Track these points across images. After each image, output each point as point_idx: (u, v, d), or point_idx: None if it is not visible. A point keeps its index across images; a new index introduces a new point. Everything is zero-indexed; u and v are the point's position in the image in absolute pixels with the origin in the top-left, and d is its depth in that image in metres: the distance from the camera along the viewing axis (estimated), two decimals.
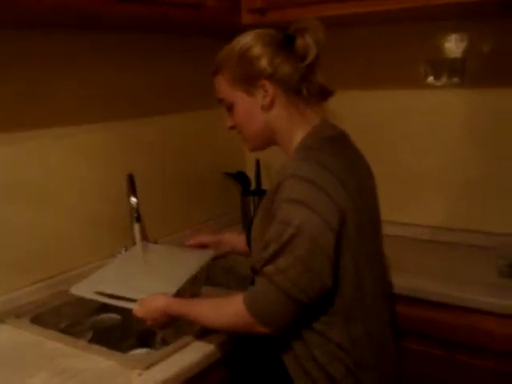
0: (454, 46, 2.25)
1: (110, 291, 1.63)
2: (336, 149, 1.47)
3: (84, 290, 1.69)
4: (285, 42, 1.47)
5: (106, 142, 2.14)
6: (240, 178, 2.73)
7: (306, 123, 1.50)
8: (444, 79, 2.28)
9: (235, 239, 1.94)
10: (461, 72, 2.24)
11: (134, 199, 1.96)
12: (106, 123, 2.14)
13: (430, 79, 2.31)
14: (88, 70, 2.05)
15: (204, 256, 1.87)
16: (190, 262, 1.83)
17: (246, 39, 1.48)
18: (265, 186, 2.72)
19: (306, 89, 1.49)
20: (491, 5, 1.87)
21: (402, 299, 1.88)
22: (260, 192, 2.68)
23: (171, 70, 2.40)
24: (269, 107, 1.48)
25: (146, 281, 1.75)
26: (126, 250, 2.10)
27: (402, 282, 1.89)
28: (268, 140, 1.55)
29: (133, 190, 1.98)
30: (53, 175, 1.96)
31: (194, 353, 1.51)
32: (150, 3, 1.80)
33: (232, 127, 1.58)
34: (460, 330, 1.81)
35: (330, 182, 1.35)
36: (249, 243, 1.64)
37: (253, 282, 1.59)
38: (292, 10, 2.07)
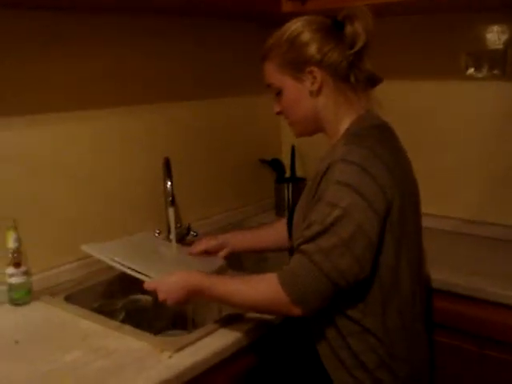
0: (495, 37, 2.21)
1: (123, 261, 1.67)
2: (384, 138, 1.48)
3: (96, 250, 1.72)
4: (334, 29, 1.47)
5: (143, 125, 2.16)
6: (275, 164, 2.73)
7: (352, 110, 1.50)
8: (485, 71, 2.25)
9: (238, 238, 1.93)
10: (502, 64, 2.20)
11: (169, 183, 1.97)
12: (144, 106, 2.16)
13: (471, 71, 2.27)
14: (127, 52, 2.07)
15: (211, 265, 1.83)
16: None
17: (296, 25, 1.49)
18: (299, 173, 2.72)
19: (354, 76, 1.49)
20: None
21: (434, 292, 1.87)
22: (294, 179, 2.69)
23: (211, 54, 2.40)
24: (317, 93, 1.48)
25: (157, 265, 1.76)
26: (159, 234, 2.13)
27: (434, 274, 1.87)
28: (315, 126, 1.55)
29: (168, 174, 1.99)
30: (90, 157, 1.99)
31: (223, 337, 1.52)
32: None
33: (279, 113, 1.58)
34: (491, 325, 1.79)
35: (379, 169, 1.36)
36: (289, 230, 1.65)
37: None
38: None
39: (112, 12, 1.97)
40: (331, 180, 1.35)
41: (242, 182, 2.67)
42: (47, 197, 1.87)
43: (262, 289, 1.41)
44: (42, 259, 1.86)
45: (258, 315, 1.60)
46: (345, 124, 1.50)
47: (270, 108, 1.61)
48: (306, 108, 1.51)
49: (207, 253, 1.88)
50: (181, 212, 2.26)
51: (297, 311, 1.36)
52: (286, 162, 2.73)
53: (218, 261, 1.87)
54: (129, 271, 1.64)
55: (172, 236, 1.99)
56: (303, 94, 1.50)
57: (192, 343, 1.48)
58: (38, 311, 1.72)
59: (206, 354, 1.44)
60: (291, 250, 1.44)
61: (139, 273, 1.63)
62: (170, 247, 2.00)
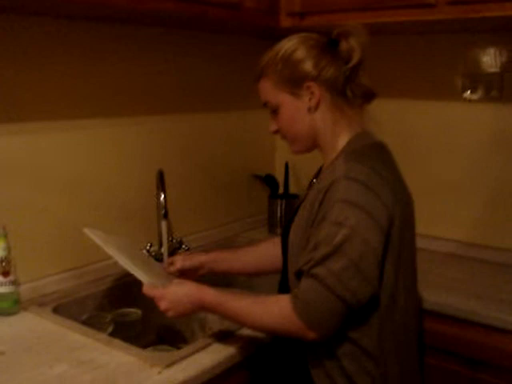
0: (492, 60, 2.21)
1: (125, 257, 1.62)
2: (383, 157, 1.48)
3: (99, 238, 1.67)
4: (329, 45, 1.47)
5: (137, 137, 2.15)
6: (268, 180, 2.72)
7: (349, 126, 1.49)
8: (481, 93, 2.25)
9: (216, 260, 1.85)
10: (499, 87, 2.20)
11: (162, 195, 1.95)
12: (139, 117, 2.15)
13: (467, 93, 2.28)
14: (123, 63, 2.06)
15: None
16: None
17: (291, 43, 1.48)
18: (293, 190, 2.71)
19: (351, 90, 1.48)
20: None
21: (427, 314, 1.85)
22: (288, 196, 2.67)
23: (207, 68, 2.40)
24: (315, 109, 1.47)
25: (152, 272, 1.70)
26: (151, 246, 2.10)
27: (427, 296, 1.86)
28: (312, 142, 1.53)
29: (162, 187, 1.97)
30: (83, 167, 1.97)
31: (215, 354, 1.49)
32: (189, 1, 1.80)
33: (276, 131, 1.57)
34: (485, 348, 1.77)
35: (382, 186, 1.36)
36: (283, 249, 1.62)
37: (282, 290, 1.58)
38: (331, 15, 2.06)
39: (110, 22, 1.96)
40: (335, 198, 1.33)
41: (235, 197, 2.66)
42: (38, 205, 1.85)
43: (275, 313, 1.39)
44: (30, 269, 1.83)
45: (249, 332, 1.57)
46: (342, 140, 1.49)
47: (265, 123, 1.60)
48: (304, 124, 1.50)
49: (181, 273, 1.80)
50: (173, 225, 2.24)
51: (312, 335, 1.35)
52: (280, 178, 2.71)
53: None
54: (130, 268, 1.58)
55: (164, 249, 1.97)
56: (301, 111, 1.49)
57: (182, 359, 1.45)
58: (26, 322, 1.69)
59: (196, 370, 1.41)
60: (298, 272, 1.40)
61: (138, 272, 1.58)
62: (152, 260, 1.97)
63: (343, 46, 1.45)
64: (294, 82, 1.47)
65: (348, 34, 1.45)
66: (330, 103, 1.48)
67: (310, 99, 1.46)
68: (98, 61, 1.97)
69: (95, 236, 1.66)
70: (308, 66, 1.45)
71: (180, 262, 1.81)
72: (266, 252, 1.84)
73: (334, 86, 1.46)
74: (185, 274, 1.79)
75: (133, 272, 1.57)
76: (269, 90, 1.51)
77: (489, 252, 2.26)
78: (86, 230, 1.68)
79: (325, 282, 1.31)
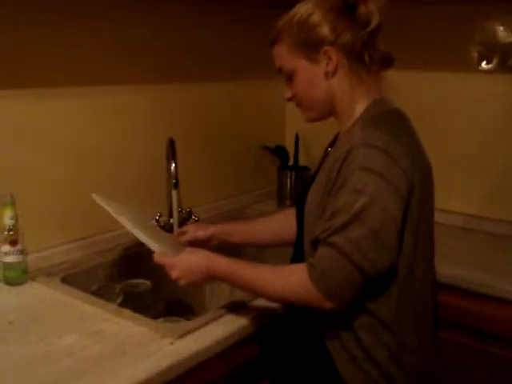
0: (508, 30, 2.16)
1: (134, 225, 1.59)
2: (402, 123, 1.45)
3: (109, 205, 1.64)
4: (346, 9, 1.41)
5: (145, 105, 2.11)
6: (279, 152, 2.68)
7: (367, 93, 1.45)
8: (497, 64, 2.20)
9: (229, 231, 1.82)
10: None
11: (173, 164, 1.90)
12: (147, 85, 2.11)
13: (483, 64, 2.23)
14: (132, 30, 2.01)
15: None
16: None
17: (306, 6, 1.43)
18: (303, 162, 2.67)
19: (369, 55, 1.43)
20: None
21: (441, 287, 1.82)
22: (298, 168, 2.64)
23: (216, 37, 2.35)
24: (332, 74, 1.42)
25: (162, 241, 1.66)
26: (160, 216, 2.07)
27: (441, 269, 1.82)
28: (328, 109, 1.48)
29: (173, 155, 1.92)
30: (91, 135, 1.94)
31: (227, 325, 1.47)
32: None
33: (290, 98, 1.52)
34: (496, 321, 1.76)
35: (401, 153, 1.32)
36: (298, 218, 1.59)
37: (295, 258, 1.55)
38: None
39: None
40: (354, 165, 1.29)
41: (245, 168, 2.62)
42: (45, 174, 1.82)
43: (291, 282, 1.35)
44: (39, 238, 1.80)
45: (262, 303, 1.55)
46: (360, 107, 1.45)
47: (276, 94, 1.57)
48: (321, 90, 1.45)
49: (192, 244, 1.77)
50: (181, 196, 2.20)
51: (329, 305, 1.31)
52: (290, 149, 2.68)
53: None
54: (140, 237, 1.56)
55: (174, 220, 1.94)
56: (318, 76, 1.44)
57: (195, 330, 1.42)
58: (34, 292, 1.66)
59: (209, 341, 1.39)
60: (314, 240, 1.37)
61: (149, 241, 1.55)
62: (160, 230, 1.94)
63: (361, 9, 1.40)
64: (311, 46, 1.42)
65: None
66: (347, 68, 1.43)
67: (327, 64, 1.42)
68: (103, 26, 1.92)
69: (104, 203, 1.63)
70: (325, 30, 1.40)
71: (192, 232, 1.78)
72: (279, 224, 1.81)
73: (351, 51, 1.42)
74: (196, 244, 1.76)
75: (143, 240, 1.55)
76: (284, 54, 1.47)
77: (502, 225, 2.23)
78: (95, 196, 1.65)
79: (343, 250, 1.27)
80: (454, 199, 2.33)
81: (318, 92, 1.46)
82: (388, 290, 1.37)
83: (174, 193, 1.92)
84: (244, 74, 2.52)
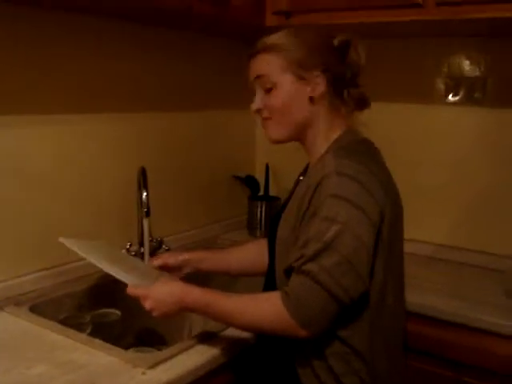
0: (475, 64, 2.23)
1: (103, 261, 1.58)
2: (372, 153, 1.48)
3: (76, 245, 1.62)
4: (339, 47, 1.48)
5: (118, 134, 2.11)
6: (249, 182, 2.69)
7: (338, 126, 1.49)
8: (464, 97, 2.26)
9: (201, 259, 1.81)
10: (482, 91, 2.21)
11: (144, 193, 1.90)
12: (122, 114, 2.11)
13: (450, 96, 2.28)
14: (108, 59, 2.02)
15: None
16: None
17: (309, 31, 1.49)
18: (273, 192, 2.68)
19: (348, 93, 1.49)
20: None
21: (410, 315, 1.82)
22: (268, 197, 2.65)
23: (190, 68, 2.38)
24: (316, 100, 1.45)
25: (135, 272, 1.65)
26: (131, 246, 2.06)
27: (410, 297, 1.84)
28: (297, 133, 1.49)
29: (144, 184, 1.91)
30: (63, 162, 1.92)
31: (198, 355, 1.45)
32: None
33: (259, 110, 1.50)
34: (468, 350, 1.77)
35: (373, 182, 1.34)
36: (270, 247, 1.59)
37: (267, 288, 1.55)
38: (317, 14, 2.05)
39: (91, 16, 1.92)
40: (326, 194, 1.31)
41: (216, 197, 2.63)
42: (15, 202, 1.79)
43: (266, 312, 1.35)
44: (6, 267, 1.78)
45: (233, 333, 1.54)
46: (331, 137, 1.48)
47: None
48: (300, 112, 1.47)
49: (163, 269, 1.76)
50: (152, 225, 2.19)
51: (304, 333, 1.31)
52: (260, 179, 2.69)
53: None
54: (113, 272, 1.54)
55: (145, 249, 1.93)
56: (301, 97, 1.46)
57: (166, 360, 1.41)
58: (2, 321, 1.64)
59: (180, 371, 1.37)
60: (288, 269, 1.38)
61: (120, 274, 1.54)
62: (133, 258, 1.94)
63: (352, 52, 1.48)
64: (305, 66, 1.45)
65: (356, 42, 1.48)
66: (328, 100, 1.47)
67: (313, 89, 1.45)
68: (77, 56, 1.92)
69: (72, 245, 1.62)
70: (322, 56, 1.45)
71: (165, 258, 1.78)
72: (252, 253, 1.81)
73: (335, 85, 1.47)
74: (168, 271, 1.76)
75: (116, 275, 1.53)
76: (274, 65, 1.46)
77: (470, 255, 2.26)
78: (62, 240, 1.63)
79: (317, 278, 1.28)
80: (422, 229, 2.35)
81: (296, 112, 1.47)
82: (360, 317, 1.37)
83: (145, 222, 1.92)
84: (215, 104, 2.54)
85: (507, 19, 1.77)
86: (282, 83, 1.46)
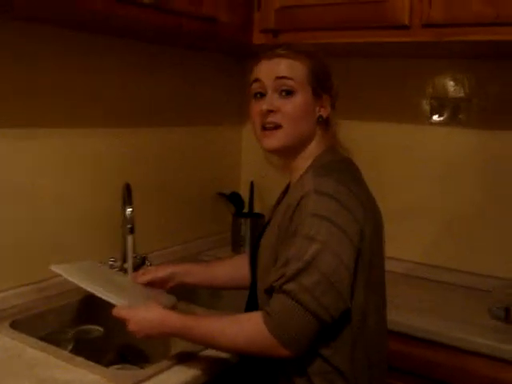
0: (459, 85, 2.25)
1: (92, 283, 1.59)
2: (352, 171, 1.49)
3: (65, 271, 1.65)
4: None
5: (103, 149, 2.10)
6: (233, 199, 2.69)
7: (323, 145, 1.51)
8: (448, 117, 2.28)
9: (188, 272, 1.81)
10: (466, 111, 2.23)
11: (129, 209, 1.89)
12: (107, 129, 2.11)
13: (435, 116, 2.30)
14: (93, 73, 2.02)
15: (166, 301, 1.70)
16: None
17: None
18: (257, 209, 2.68)
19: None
20: (507, 47, 1.88)
21: (392, 335, 1.83)
22: (253, 215, 2.65)
23: (176, 84, 2.38)
24: (321, 121, 1.49)
25: (120, 293, 1.64)
26: (115, 262, 2.05)
27: (391, 316, 1.84)
28: (295, 146, 1.49)
29: (129, 200, 1.91)
30: (47, 177, 1.91)
31: (180, 373, 1.44)
32: (165, 12, 1.78)
33: (272, 110, 1.44)
34: (452, 370, 1.78)
35: (352, 201, 1.35)
36: (252, 266, 1.59)
37: (250, 306, 1.54)
38: (304, 33, 2.06)
39: (82, 31, 1.93)
40: (306, 213, 1.32)
41: (200, 214, 2.62)
42: None
43: (248, 332, 1.35)
44: None
45: (215, 353, 1.52)
46: (313, 156, 1.49)
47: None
48: (307, 127, 1.48)
49: (152, 284, 1.76)
50: (136, 241, 2.18)
51: (286, 353, 1.31)
52: (245, 196, 2.69)
53: (171, 297, 1.77)
54: (101, 294, 1.54)
55: (129, 265, 1.92)
56: (312, 114, 1.48)
57: (148, 378, 1.40)
58: None
59: None
60: (269, 288, 1.38)
61: (107, 295, 1.53)
62: (120, 275, 1.93)
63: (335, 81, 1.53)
64: (323, 86, 1.49)
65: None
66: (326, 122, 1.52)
67: (323, 109, 1.49)
68: (63, 69, 1.92)
69: (62, 271, 1.64)
70: (334, 82, 1.52)
71: (152, 273, 1.77)
72: (237, 266, 1.81)
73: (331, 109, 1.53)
74: (155, 284, 1.75)
75: (105, 298, 1.53)
76: (300, 72, 1.45)
77: (447, 273, 2.28)
78: (53, 267, 1.64)
79: (297, 297, 1.28)
80: (401, 247, 2.34)
81: (305, 126, 1.48)
82: (342, 336, 1.37)
83: (129, 238, 1.91)
84: (201, 121, 2.54)
85: (491, 42, 1.79)
86: (303, 92, 1.46)
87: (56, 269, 1.64)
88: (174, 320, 1.42)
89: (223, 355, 1.53)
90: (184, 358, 1.51)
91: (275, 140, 1.46)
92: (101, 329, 1.84)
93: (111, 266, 2.05)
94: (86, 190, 2.04)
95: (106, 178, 2.11)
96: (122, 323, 1.46)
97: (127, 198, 1.92)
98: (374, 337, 1.45)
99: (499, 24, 1.74)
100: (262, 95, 1.47)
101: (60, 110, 1.92)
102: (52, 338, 1.68)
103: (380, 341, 1.49)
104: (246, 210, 2.69)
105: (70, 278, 1.61)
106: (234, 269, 1.82)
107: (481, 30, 1.77)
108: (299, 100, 1.45)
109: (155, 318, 1.43)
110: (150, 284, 1.75)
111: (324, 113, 1.49)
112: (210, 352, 1.54)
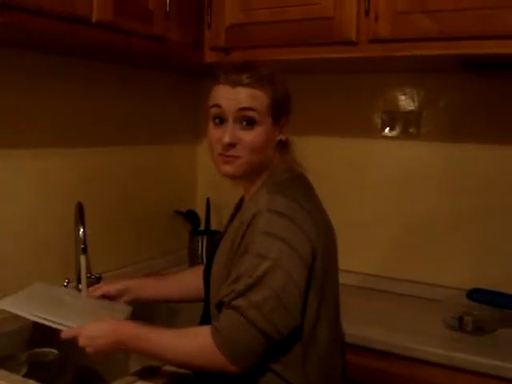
0: (409, 99, 2.29)
1: (39, 313, 1.56)
2: (305, 188, 1.50)
3: (16, 306, 1.61)
4: None
5: (56, 168, 2.08)
6: (190, 216, 2.68)
7: (279, 165, 1.52)
8: (399, 131, 2.32)
9: (142, 286, 1.82)
10: (416, 124, 2.27)
11: (81, 229, 1.88)
12: (58, 149, 2.08)
13: (386, 130, 2.34)
14: (41, 92, 2.00)
15: (120, 313, 1.70)
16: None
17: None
18: (214, 226, 2.68)
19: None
20: (452, 61, 1.92)
21: (348, 347, 1.83)
22: (209, 232, 2.64)
23: (129, 102, 2.37)
24: (282, 144, 1.50)
25: (70, 315, 1.63)
26: (68, 282, 2.02)
27: (349, 329, 1.85)
28: (254, 172, 1.49)
29: (81, 220, 1.90)
30: None
31: None
32: (114, 31, 1.78)
33: (233, 144, 1.43)
34: (408, 381, 1.78)
35: (305, 219, 1.36)
36: (206, 282, 1.59)
37: (204, 321, 1.54)
38: (255, 51, 2.07)
39: (35, 51, 1.92)
40: (258, 231, 1.32)
41: (157, 232, 2.61)
42: None
43: (195, 347, 1.35)
44: None
45: (172, 369, 1.52)
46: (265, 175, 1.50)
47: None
48: (267, 154, 1.48)
49: (106, 298, 1.76)
50: (91, 261, 2.16)
51: (232, 368, 1.32)
52: (201, 214, 2.68)
53: (126, 308, 1.76)
54: (47, 322, 1.53)
55: (83, 286, 1.89)
56: (273, 140, 1.49)
57: None
58: None
59: None
60: (218, 304, 1.38)
61: (57, 323, 1.52)
62: (72, 294, 1.89)
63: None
64: (282, 111, 1.48)
65: None
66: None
67: (282, 133, 1.49)
68: (14, 90, 1.90)
69: (8, 305, 1.61)
70: (291, 105, 1.52)
71: (104, 287, 1.77)
72: (191, 279, 1.81)
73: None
74: (110, 299, 1.75)
75: (55, 326, 1.52)
76: (262, 102, 1.44)
77: (399, 284, 2.31)
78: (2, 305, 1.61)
79: (245, 313, 1.29)
80: (353, 259, 2.35)
81: (264, 153, 1.47)
82: (292, 351, 1.38)
83: (82, 258, 1.89)
84: (156, 139, 2.54)
85: (437, 56, 1.84)
86: (265, 123, 1.45)
87: (3, 306, 1.61)
88: (127, 328, 1.42)
89: (181, 371, 1.51)
90: (141, 376, 1.50)
91: (233, 168, 1.46)
92: (55, 351, 1.80)
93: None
94: (38, 211, 2.01)
95: (57, 199, 2.08)
96: (77, 344, 1.44)
97: (79, 217, 1.91)
98: (327, 350, 1.46)
99: (443, 39, 1.78)
100: (222, 121, 1.46)
101: (4, 131, 1.89)
102: (4, 363, 1.64)
103: (334, 353, 1.50)
104: (202, 227, 2.68)
105: (17, 312, 1.58)
106: (189, 282, 1.83)
107: (426, 45, 1.81)
108: (260, 131, 1.44)
109: (106, 328, 1.43)
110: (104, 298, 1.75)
111: (283, 136, 1.49)
112: (168, 368, 1.53)
